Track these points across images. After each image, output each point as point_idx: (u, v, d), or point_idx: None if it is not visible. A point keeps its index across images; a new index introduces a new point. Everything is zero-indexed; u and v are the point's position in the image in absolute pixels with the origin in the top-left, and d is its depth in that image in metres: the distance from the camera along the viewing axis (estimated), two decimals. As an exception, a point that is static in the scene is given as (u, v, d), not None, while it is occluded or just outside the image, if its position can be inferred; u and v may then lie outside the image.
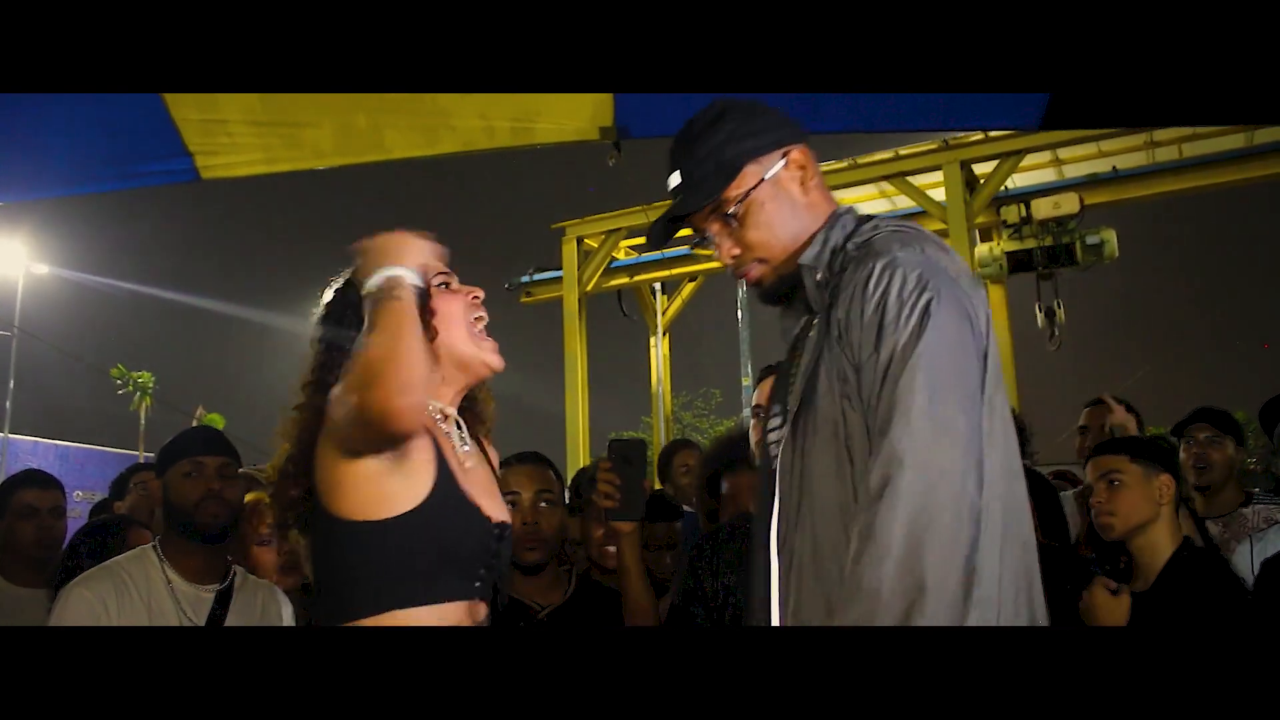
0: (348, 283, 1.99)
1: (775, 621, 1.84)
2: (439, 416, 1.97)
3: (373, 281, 1.84)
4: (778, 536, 1.85)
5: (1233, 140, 11.15)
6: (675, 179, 1.94)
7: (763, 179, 1.88)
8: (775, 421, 1.95)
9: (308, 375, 1.94)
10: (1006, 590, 1.68)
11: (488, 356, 1.99)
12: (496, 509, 1.98)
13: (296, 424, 1.91)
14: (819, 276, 1.85)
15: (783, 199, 1.90)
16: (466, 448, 2.01)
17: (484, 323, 2.02)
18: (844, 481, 1.73)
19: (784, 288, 1.95)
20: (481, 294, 2.03)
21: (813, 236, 1.89)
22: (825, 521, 1.75)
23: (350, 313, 1.93)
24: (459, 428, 2.02)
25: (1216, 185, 11.46)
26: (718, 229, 1.93)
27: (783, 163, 1.89)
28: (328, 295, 2.04)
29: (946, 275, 1.72)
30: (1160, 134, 11.24)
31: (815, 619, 1.75)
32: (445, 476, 1.86)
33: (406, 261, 1.87)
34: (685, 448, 5.27)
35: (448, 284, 1.99)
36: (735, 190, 1.89)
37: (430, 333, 1.89)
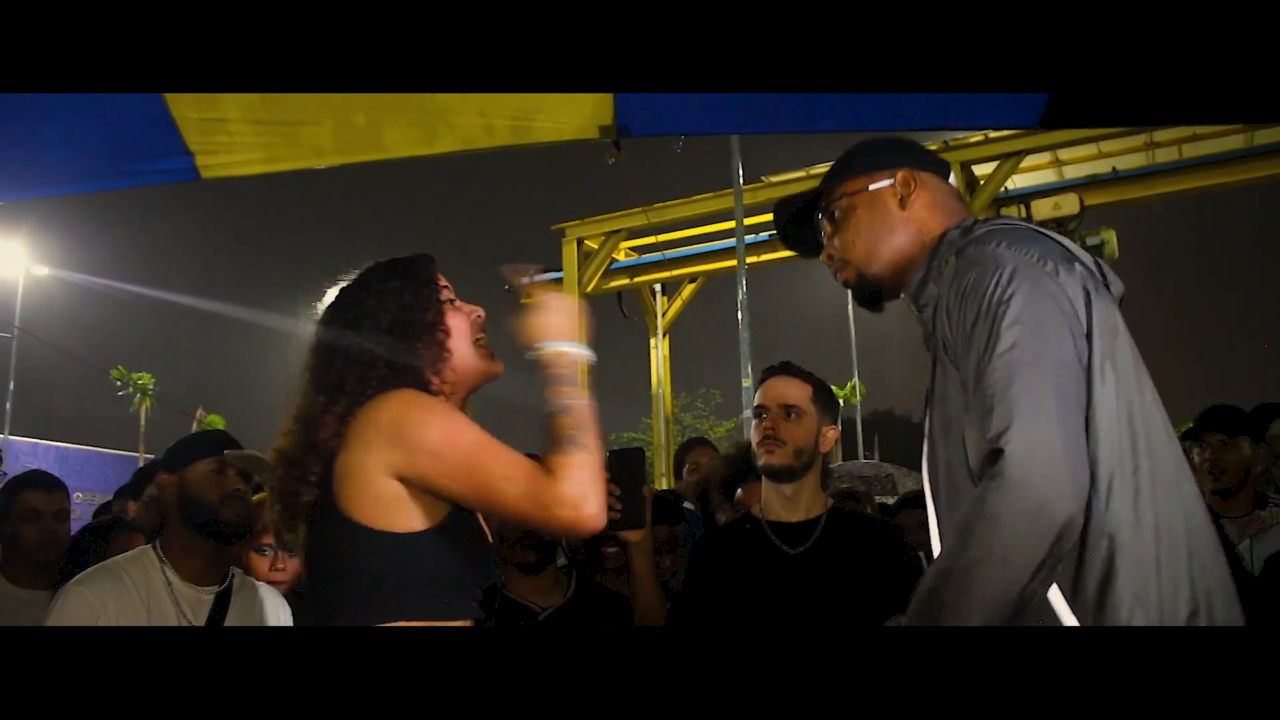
0: (366, 282, 2.04)
1: None
2: None
3: (553, 349, 1.92)
4: (938, 533, 1.92)
5: (1232, 141, 11.16)
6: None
7: (865, 189, 2.09)
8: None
9: (328, 377, 1.94)
10: (1165, 564, 1.67)
11: (485, 364, 2.07)
12: (489, 530, 2.03)
13: (308, 429, 1.90)
14: (928, 306, 1.97)
15: (879, 210, 2.09)
16: None
17: (483, 343, 2.08)
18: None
19: (866, 292, 2.14)
20: (484, 314, 2.11)
21: (916, 260, 2.03)
22: None
23: (378, 311, 1.98)
24: None
25: (1216, 186, 11.47)
26: (824, 226, 2.17)
27: (888, 181, 2.08)
28: (343, 288, 2.07)
29: (1024, 260, 1.78)
30: (1160, 135, 11.25)
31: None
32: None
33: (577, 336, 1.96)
34: (698, 445, 5.28)
35: (453, 301, 2.06)
36: (838, 192, 2.12)
37: (445, 352, 1.98)
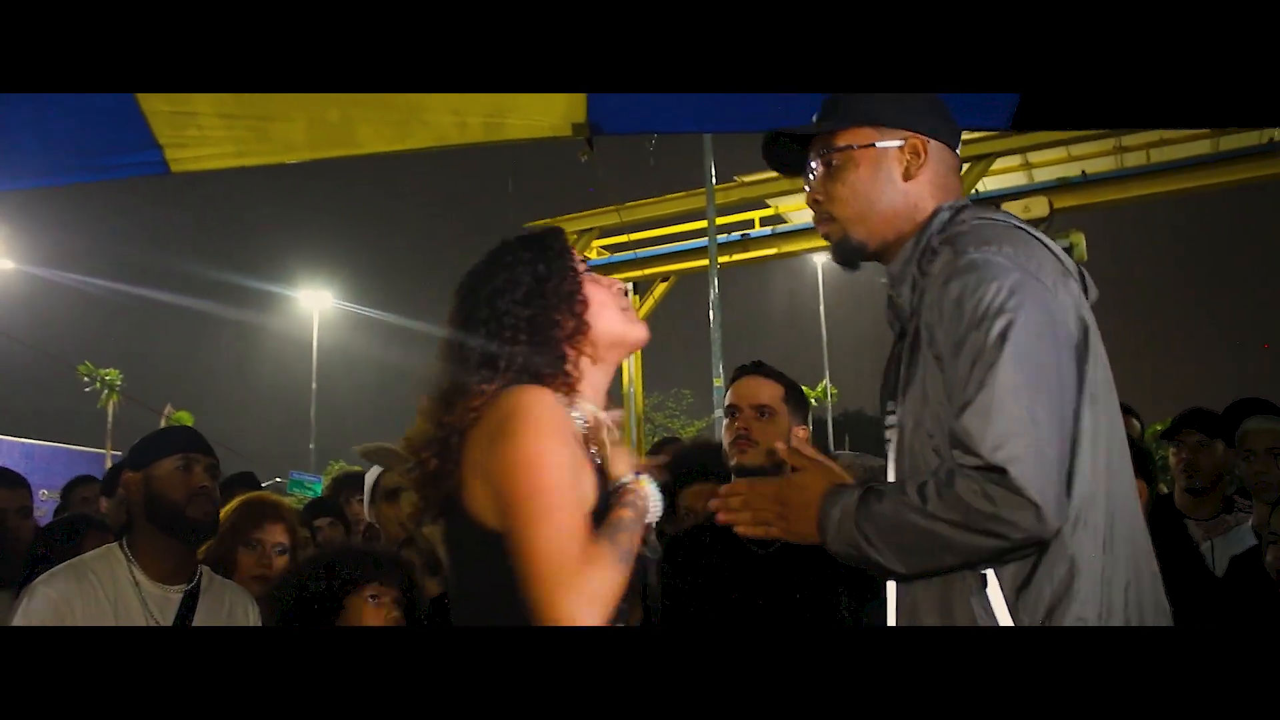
0: (498, 257, 1.97)
1: (891, 618, 1.91)
2: (586, 422, 1.92)
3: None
4: None
5: (1199, 146, 11.32)
6: (817, 113, 2.06)
7: (872, 144, 1.96)
8: (889, 419, 2.00)
9: (462, 360, 1.88)
10: (1116, 587, 1.72)
11: (638, 331, 2.01)
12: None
13: (441, 418, 1.84)
14: (906, 285, 1.92)
15: (881, 172, 1.97)
16: (602, 441, 1.97)
17: (625, 308, 2.02)
18: None
19: (848, 253, 2.03)
20: (625, 286, 2.06)
21: (902, 238, 1.96)
22: None
23: (513, 284, 1.91)
24: (603, 431, 1.97)
25: (1183, 190, 11.62)
26: (816, 170, 2.03)
27: (899, 142, 1.96)
28: (475, 267, 1.99)
29: (1027, 274, 1.74)
30: (1128, 139, 11.38)
31: (929, 614, 1.79)
32: (601, 499, 1.82)
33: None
34: (669, 445, 5.31)
35: (589, 271, 2.00)
36: (843, 139, 1.98)
37: (583, 325, 1.91)
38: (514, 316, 1.88)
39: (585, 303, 1.93)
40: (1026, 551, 1.67)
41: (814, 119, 2.06)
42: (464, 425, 1.80)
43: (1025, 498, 1.59)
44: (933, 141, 1.98)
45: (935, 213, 1.94)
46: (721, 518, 1.99)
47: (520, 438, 1.70)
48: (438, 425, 1.84)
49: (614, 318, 1.97)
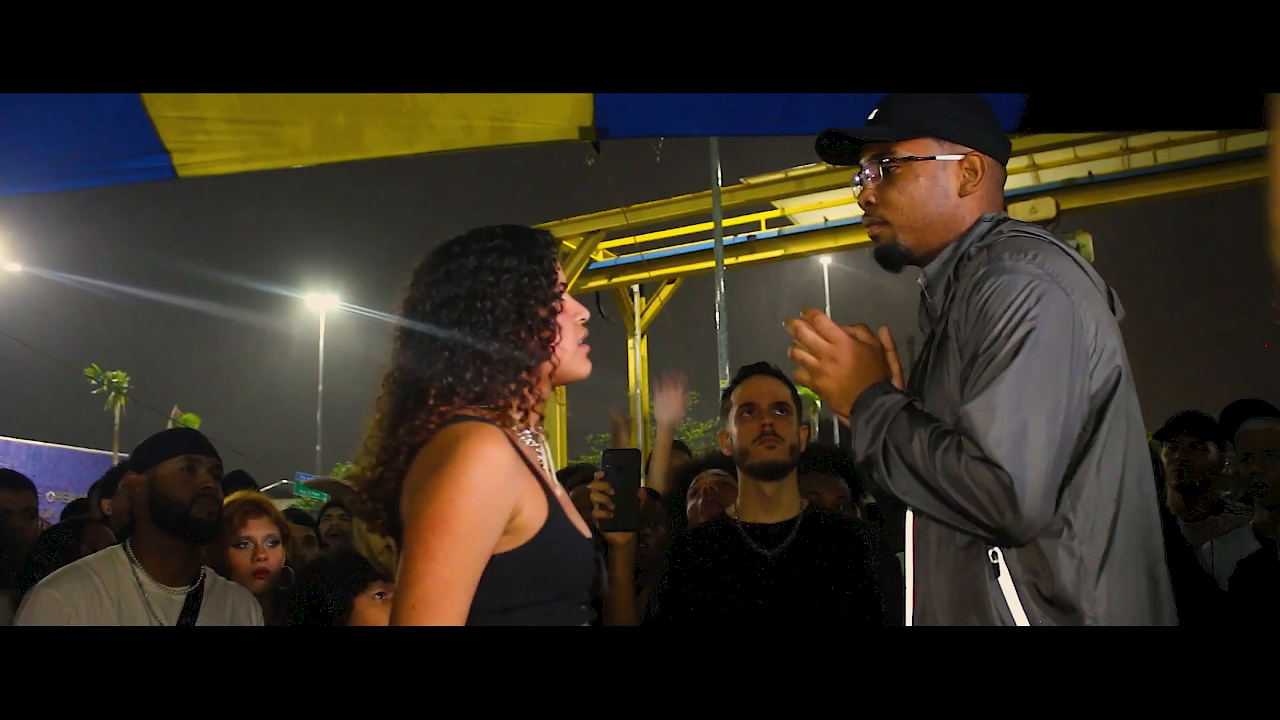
0: (483, 252, 1.87)
1: (909, 610, 1.96)
2: (532, 439, 1.89)
3: None
4: (913, 530, 1.96)
5: (1206, 147, 11.30)
6: (875, 111, 2.10)
7: (933, 157, 2.01)
8: None
9: (418, 373, 1.82)
10: (1129, 593, 1.77)
11: (583, 366, 1.96)
12: (586, 525, 1.93)
13: (392, 443, 1.80)
14: (940, 287, 1.99)
15: (938, 185, 2.02)
16: (546, 463, 1.92)
17: (583, 341, 1.97)
18: None
19: (893, 257, 2.08)
20: (588, 315, 2.01)
21: (945, 245, 2.01)
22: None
23: (495, 291, 1.83)
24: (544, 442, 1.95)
25: (1190, 191, 11.61)
26: (872, 174, 2.07)
27: (959, 157, 2.01)
28: (451, 251, 1.90)
29: (1054, 285, 1.79)
30: (1135, 140, 11.37)
31: (943, 611, 1.85)
32: (555, 509, 1.78)
33: None
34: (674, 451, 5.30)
35: (564, 294, 1.94)
36: (905, 149, 2.02)
37: (546, 355, 1.85)
38: (484, 324, 1.81)
39: (556, 334, 1.87)
40: (998, 538, 1.74)
41: (870, 117, 2.10)
42: (415, 442, 1.76)
43: (1009, 497, 1.65)
44: (988, 157, 2.03)
45: (977, 222, 1.99)
46: (791, 325, 2.04)
47: (434, 492, 1.65)
48: (390, 436, 1.80)
49: (572, 355, 1.92)
